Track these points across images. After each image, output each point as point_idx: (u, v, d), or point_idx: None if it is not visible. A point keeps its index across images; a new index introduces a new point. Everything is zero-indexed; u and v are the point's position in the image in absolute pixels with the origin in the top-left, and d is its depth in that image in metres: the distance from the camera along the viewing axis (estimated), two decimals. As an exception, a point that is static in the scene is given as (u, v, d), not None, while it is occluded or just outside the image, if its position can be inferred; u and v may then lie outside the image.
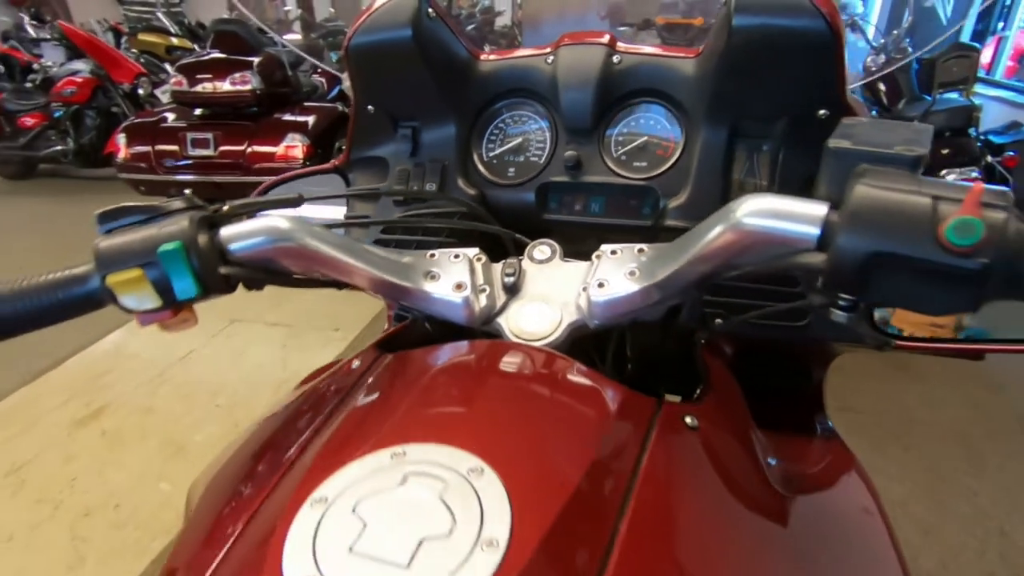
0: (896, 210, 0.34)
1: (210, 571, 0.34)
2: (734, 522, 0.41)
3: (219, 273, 0.44)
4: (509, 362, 0.45)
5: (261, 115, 3.58)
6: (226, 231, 0.46)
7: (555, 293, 0.53)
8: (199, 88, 3.53)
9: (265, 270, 0.48)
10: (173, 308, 0.44)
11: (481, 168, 0.72)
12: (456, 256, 0.54)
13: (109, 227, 0.43)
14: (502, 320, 0.52)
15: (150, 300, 0.42)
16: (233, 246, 0.46)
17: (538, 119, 0.71)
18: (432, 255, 0.55)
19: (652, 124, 0.68)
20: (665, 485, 0.39)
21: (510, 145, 0.72)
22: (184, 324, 0.45)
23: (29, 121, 4.83)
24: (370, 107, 0.73)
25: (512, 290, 0.54)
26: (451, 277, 0.53)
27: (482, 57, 0.73)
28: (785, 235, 0.38)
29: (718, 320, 0.62)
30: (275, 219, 0.48)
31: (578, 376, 0.45)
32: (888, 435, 1.98)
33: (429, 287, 0.52)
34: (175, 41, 6.16)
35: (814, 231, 0.37)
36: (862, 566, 0.53)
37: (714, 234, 0.42)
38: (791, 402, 0.69)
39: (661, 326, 0.62)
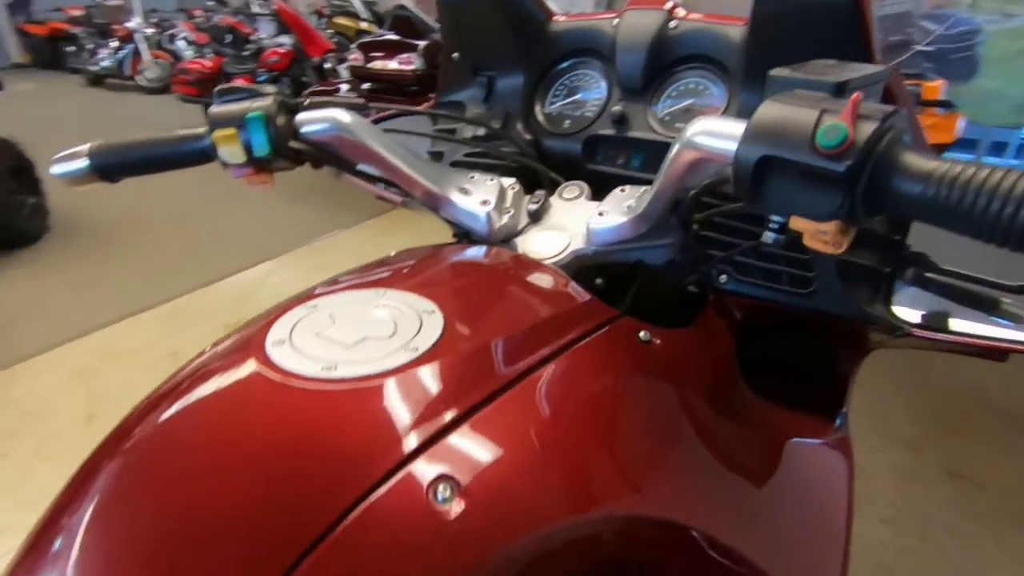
0: (785, 120, 0.38)
1: (211, 343, 0.44)
2: (645, 431, 0.44)
3: (289, 145, 0.59)
4: (501, 260, 0.54)
5: (419, 94, 3.96)
6: (301, 116, 0.61)
7: (571, 225, 0.59)
8: (371, 65, 3.98)
9: (326, 154, 0.61)
10: (254, 166, 0.59)
11: (540, 118, 0.78)
12: (491, 179, 0.62)
13: (222, 100, 0.61)
14: (518, 241, 0.59)
15: (238, 156, 0.58)
16: (304, 128, 0.60)
17: (598, 78, 0.76)
18: (472, 176, 0.63)
19: (698, 88, 0.70)
20: (584, 372, 0.43)
21: (569, 100, 0.77)
22: (263, 184, 0.62)
23: (240, 83, 5.73)
24: (455, 55, 0.83)
25: (534, 217, 0.61)
26: (480, 194, 0.60)
27: (555, 18, 0.79)
28: (716, 152, 0.44)
29: (723, 276, 0.65)
30: (341, 112, 0.59)
31: (554, 279, 0.51)
32: (1012, 517, 1.67)
33: (457, 198, 0.60)
34: (364, 25, 6.89)
35: (732, 145, 0.41)
36: (791, 542, 0.54)
37: (672, 154, 0.48)
38: (814, 389, 0.70)
39: (673, 280, 0.64)
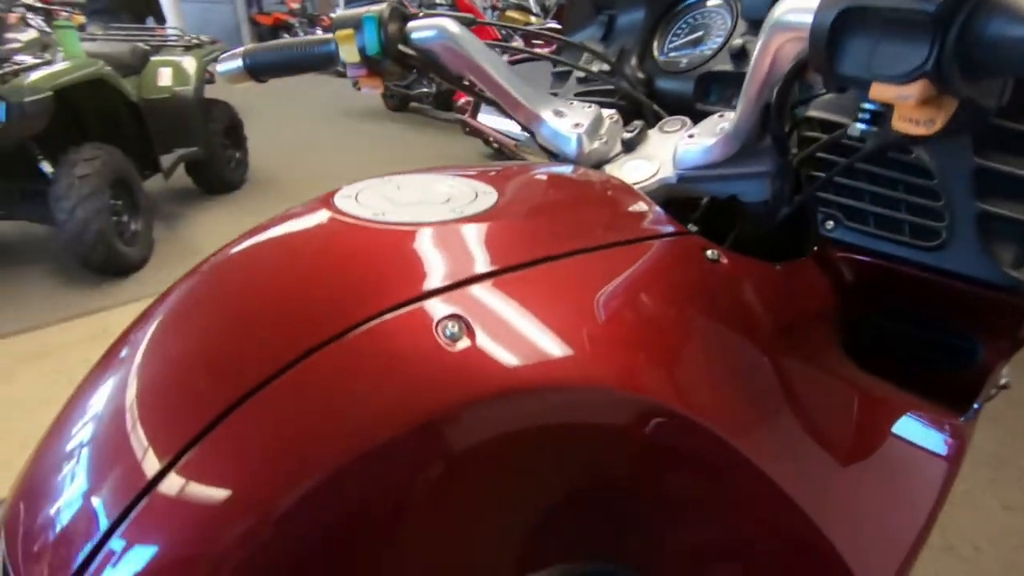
0: None
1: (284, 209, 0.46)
2: (688, 334, 0.42)
3: (398, 48, 0.63)
4: (578, 172, 0.54)
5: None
6: (412, 23, 0.65)
7: (664, 155, 0.57)
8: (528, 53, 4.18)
9: (432, 62, 0.64)
10: (367, 67, 0.65)
11: (656, 56, 0.75)
12: (589, 106, 0.61)
13: (350, 6, 0.72)
14: (607, 167, 0.59)
15: (353, 55, 0.64)
16: (414, 34, 0.64)
17: (723, 13, 0.72)
18: (571, 102, 0.63)
19: None
20: (634, 268, 0.42)
21: (689, 38, 0.74)
22: (373, 85, 0.69)
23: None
24: None
25: (628, 146, 0.60)
26: (575, 118, 0.60)
27: None
28: (801, 26, 0.40)
29: (829, 223, 0.55)
30: (450, 22, 0.63)
31: (627, 193, 0.50)
32: None
33: (551, 119, 0.61)
34: (534, 19, 7.18)
35: (809, 17, 0.38)
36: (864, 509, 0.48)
37: (761, 43, 0.44)
38: (946, 377, 0.58)
39: (772, 222, 0.57)
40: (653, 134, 0.61)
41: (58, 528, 0.30)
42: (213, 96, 3.81)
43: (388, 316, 0.33)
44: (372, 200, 0.43)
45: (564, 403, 0.35)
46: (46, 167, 2.68)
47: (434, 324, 0.33)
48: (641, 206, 0.49)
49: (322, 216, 0.41)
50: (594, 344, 0.36)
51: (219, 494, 0.29)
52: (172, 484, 0.29)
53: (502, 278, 0.36)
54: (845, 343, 0.57)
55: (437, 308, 0.33)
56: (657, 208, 0.49)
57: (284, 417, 0.30)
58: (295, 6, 11.01)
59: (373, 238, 0.39)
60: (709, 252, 0.46)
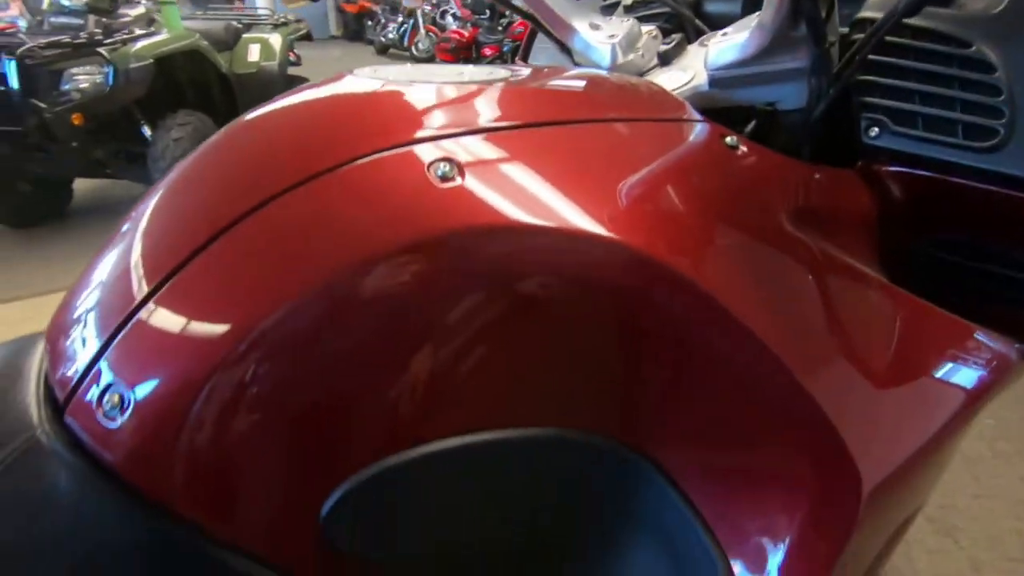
0: None
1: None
2: (690, 202, 0.40)
3: None
4: (611, 76, 0.53)
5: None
6: None
7: (701, 66, 0.54)
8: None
9: None
10: None
11: None
12: (626, 20, 0.59)
13: None
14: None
15: None
16: None
17: None
18: (610, 18, 0.60)
19: None
20: (643, 143, 0.42)
21: None
22: None
23: (488, 52, 6.43)
24: None
25: (664, 59, 0.58)
26: (610, 31, 0.58)
27: None
28: None
29: (874, 129, 0.51)
30: None
31: (650, 86, 0.50)
32: None
33: (585, 30, 0.59)
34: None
35: None
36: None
37: None
38: (1001, 313, 0.54)
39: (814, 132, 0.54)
40: (692, 48, 0.58)
41: (69, 346, 0.35)
42: (296, 73, 4.04)
43: (384, 154, 0.34)
44: (393, 74, 0.43)
45: (552, 248, 0.34)
46: (147, 131, 2.95)
47: (427, 165, 0.34)
48: (662, 95, 0.48)
49: (335, 78, 0.43)
50: (589, 197, 0.35)
51: (209, 310, 0.31)
52: (164, 300, 0.32)
53: (501, 134, 0.37)
54: (894, 278, 0.52)
55: (431, 151, 0.34)
56: (678, 98, 0.47)
57: (278, 236, 0.32)
58: (378, -7, 11.38)
59: (379, 90, 0.40)
60: (728, 139, 0.44)
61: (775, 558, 0.39)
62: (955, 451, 0.54)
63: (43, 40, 2.65)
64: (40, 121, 2.60)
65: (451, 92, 0.40)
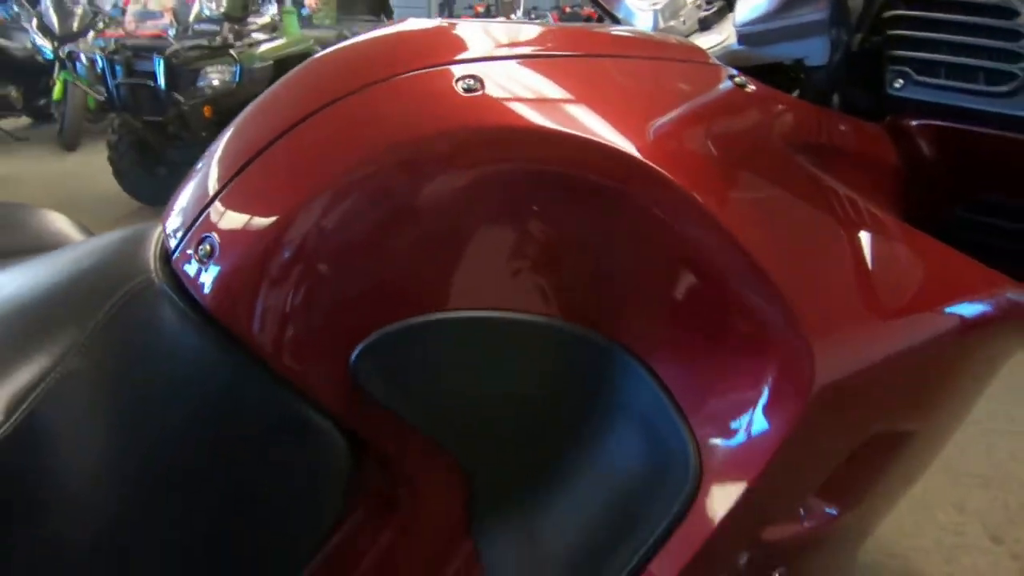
0: None
1: None
2: (686, 124, 0.43)
3: None
4: (640, 31, 0.57)
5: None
6: None
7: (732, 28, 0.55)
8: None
9: None
10: None
11: None
12: None
13: None
14: None
15: None
16: None
17: None
18: None
19: None
20: (649, 75, 0.46)
21: None
22: None
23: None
24: None
25: (704, 24, 0.61)
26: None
27: None
28: None
29: (899, 81, 0.53)
30: None
31: (676, 41, 0.54)
32: None
33: None
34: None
35: None
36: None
37: None
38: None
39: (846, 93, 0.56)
40: (732, 15, 0.59)
41: (179, 210, 0.44)
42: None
43: (423, 71, 0.40)
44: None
45: (554, 151, 0.39)
46: (263, 124, 3.33)
47: (455, 79, 0.39)
48: (684, 45, 0.52)
49: (399, 21, 0.49)
50: (594, 111, 0.40)
51: (280, 184, 0.39)
52: (246, 178, 0.40)
53: (521, 60, 0.42)
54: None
55: (461, 70, 0.40)
56: (700, 47, 0.52)
57: (337, 128, 0.40)
58: (480, 10, 11.89)
59: (428, 27, 0.46)
60: (738, 78, 0.48)
61: (734, 438, 0.42)
62: (956, 410, 0.54)
63: (187, 43, 3.10)
64: (179, 112, 3.02)
65: (486, 28, 0.46)
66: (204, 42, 3.13)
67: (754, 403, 0.42)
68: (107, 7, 5.35)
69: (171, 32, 3.42)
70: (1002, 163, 0.52)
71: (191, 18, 3.50)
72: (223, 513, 0.43)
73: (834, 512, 0.47)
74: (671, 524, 0.41)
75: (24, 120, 4.73)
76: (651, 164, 0.39)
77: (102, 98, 3.43)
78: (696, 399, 0.43)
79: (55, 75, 3.92)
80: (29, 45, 4.32)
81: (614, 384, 0.45)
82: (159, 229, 0.47)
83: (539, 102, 0.40)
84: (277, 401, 0.41)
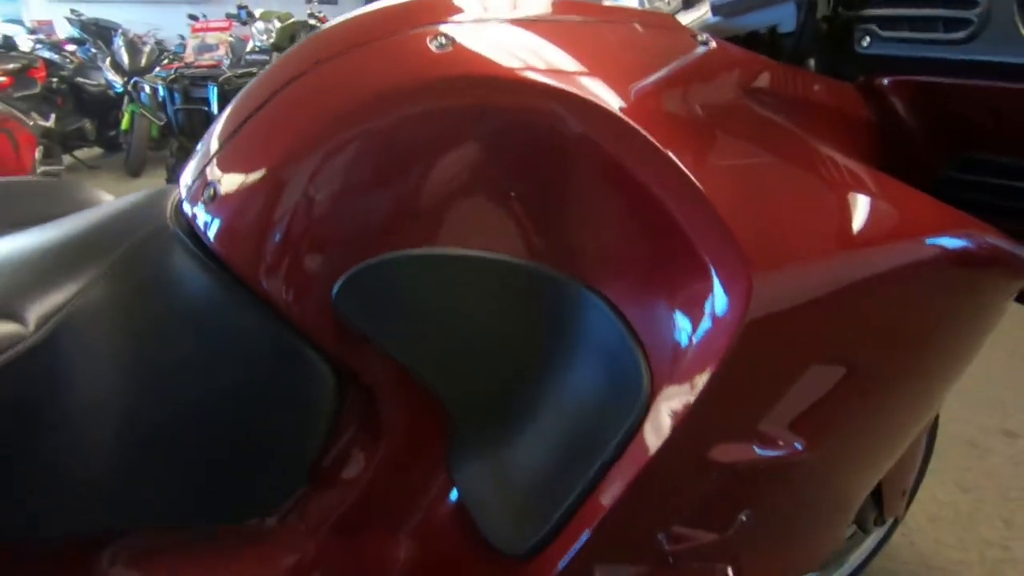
0: None
1: None
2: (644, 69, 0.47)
3: None
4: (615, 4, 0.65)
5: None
6: None
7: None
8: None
9: None
10: None
11: None
12: None
13: None
14: None
15: None
16: None
17: None
18: None
19: None
20: (620, 43, 0.49)
21: None
22: None
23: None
24: None
25: (687, 3, 0.64)
26: None
27: None
28: None
29: (865, 39, 0.55)
30: None
31: (648, 9, 0.61)
32: None
33: None
34: None
35: None
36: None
37: None
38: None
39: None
40: None
41: (191, 165, 0.49)
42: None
43: (404, 33, 0.45)
44: None
45: (528, 103, 0.42)
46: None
47: (428, 39, 0.44)
48: (656, 14, 0.56)
49: None
50: (562, 64, 0.44)
51: (273, 136, 0.45)
52: (243, 134, 0.46)
53: (495, 22, 0.47)
54: None
55: (432, 30, 0.45)
56: (671, 16, 0.55)
57: (323, 85, 0.45)
58: None
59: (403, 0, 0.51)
60: (700, 37, 0.51)
61: (682, 358, 0.44)
62: (936, 359, 0.53)
63: (239, 71, 3.31)
64: (230, 135, 3.22)
65: None
66: (254, 70, 3.34)
67: (698, 324, 0.43)
68: (173, 45, 5.78)
69: (226, 63, 3.66)
70: (977, 116, 0.53)
71: (246, 51, 3.75)
72: (221, 433, 0.47)
73: (799, 447, 0.46)
74: (625, 439, 0.43)
75: (96, 150, 5.11)
76: (605, 105, 0.42)
77: (162, 123, 3.69)
78: (649, 324, 0.45)
79: (124, 107, 4.24)
80: (103, 81, 4.69)
81: (576, 318, 0.47)
82: (177, 189, 0.52)
83: (505, 55, 0.44)
84: (273, 333, 0.46)
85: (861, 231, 0.46)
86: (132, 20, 5.73)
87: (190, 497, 0.48)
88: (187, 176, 0.50)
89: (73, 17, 5.14)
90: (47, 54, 4.42)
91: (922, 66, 0.52)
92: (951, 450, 1.53)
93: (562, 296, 0.47)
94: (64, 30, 5.80)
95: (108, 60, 4.58)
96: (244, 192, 0.45)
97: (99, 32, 4.96)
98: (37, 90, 3.71)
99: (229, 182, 0.46)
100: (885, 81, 0.55)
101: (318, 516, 0.51)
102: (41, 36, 5.30)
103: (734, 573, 0.50)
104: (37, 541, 0.45)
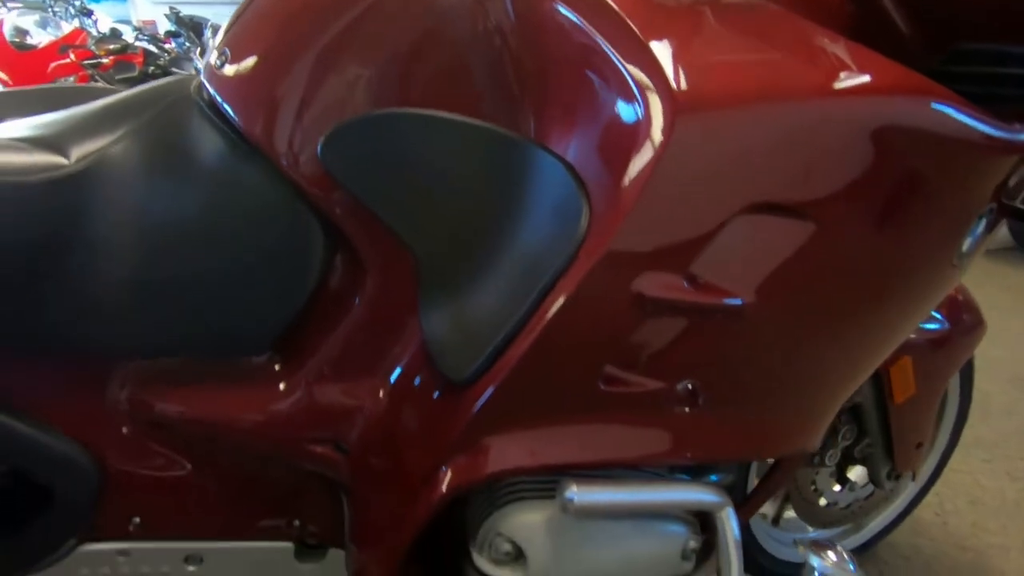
0: None
1: None
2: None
3: None
4: None
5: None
6: None
7: None
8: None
9: None
10: None
11: None
12: None
13: None
14: None
15: None
16: None
17: None
18: None
19: None
20: None
21: None
22: None
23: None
24: None
25: None
26: None
27: None
28: None
29: None
30: None
31: None
32: None
33: None
34: None
35: None
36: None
37: None
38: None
39: None
40: None
41: (211, 49, 0.62)
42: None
43: None
44: None
45: None
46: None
47: None
48: None
49: None
50: None
51: (262, 21, 0.58)
52: (242, 20, 0.59)
53: None
54: None
55: None
56: None
57: None
58: None
59: None
60: None
61: (614, 188, 0.48)
62: (892, 234, 0.52)
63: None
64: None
65: None
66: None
67: (628, 160, 0.47)
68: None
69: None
70: (965, 4, 0.52)
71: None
72: (220, 274, 0.56)
73: (737, 302, 0.47)
74: (562, 269, 0.48)
75: (185, 136, 5.52)
76: None
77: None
78: (588, 165, 0.49)
79: (210, 94, 4.53)
80: (194, 71, 5.06)
81: (529, 172, 0.53)
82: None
83: None
84: (273, 190, 0.55)
85: (810, 84, 0.47)
86: (222, 15, 6.15)
87: (190, 329, 0.56)
88: (209, 55, 0.60)
89: (170, 14, 5.59)
90: (146, 45, 4.83)
91: None
92: (1005, 440, 1.44)
93: (520, 156, 0.53)
94: (165, 28, 6.32)
95: (198, 51, 4.93)
96: (248, 57, 0.55)
97: (192, 26, 5.35)
98: (135, 74, 4.04)
99: (237, 50, 0.57)
100: None
101: (304, 356, 0.59)
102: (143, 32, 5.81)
103: (677, 427, 0.51)
104: (52, 355, 0.53)
